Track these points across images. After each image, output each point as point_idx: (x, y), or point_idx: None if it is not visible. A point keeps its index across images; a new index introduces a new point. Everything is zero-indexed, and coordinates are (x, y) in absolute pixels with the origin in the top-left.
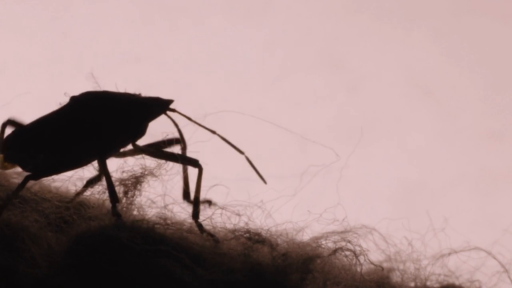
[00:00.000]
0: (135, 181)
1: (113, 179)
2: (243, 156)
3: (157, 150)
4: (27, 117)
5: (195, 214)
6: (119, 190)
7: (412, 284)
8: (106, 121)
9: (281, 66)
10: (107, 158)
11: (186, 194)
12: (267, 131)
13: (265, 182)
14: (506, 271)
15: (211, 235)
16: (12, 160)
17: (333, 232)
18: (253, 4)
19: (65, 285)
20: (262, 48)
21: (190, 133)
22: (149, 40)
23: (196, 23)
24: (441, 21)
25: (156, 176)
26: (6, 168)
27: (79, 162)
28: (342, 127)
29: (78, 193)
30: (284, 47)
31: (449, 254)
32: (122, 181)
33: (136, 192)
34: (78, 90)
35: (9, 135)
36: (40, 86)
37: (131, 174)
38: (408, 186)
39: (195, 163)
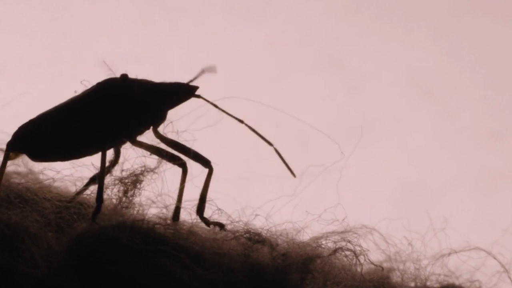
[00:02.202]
0: (135, 180)
1: (112, 178)
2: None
3: (173, 141)
4: (27, 117)
5: (201, 211)
6: (119, 189)
7: (412, 284)
8: (124, 108)
9: (281, 66)
10: (123, 143)
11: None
12: (267, 131)
13: (294, 175)
14: (506, 271)
15: (217, 223)
16: (18, 150)
17: (333, 232)
18: (253, 4)
19: (65, 285)
20: (262, 48)
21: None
22: (149, 40)
23: (196, 23)
24: (441, 21)
25: (156, 174)
26: (10, 158)
27: (90, 150)
28: (342, 127)
29: (80, 192)
30: (284, 47)
31: (449, 254)
32: (121, 180)
33: (135, 191)
34: (77, 90)
35: (23, 125)
36: (40, 86)
37: (130, 172)
38: (408, 186)
39: (206, 163)
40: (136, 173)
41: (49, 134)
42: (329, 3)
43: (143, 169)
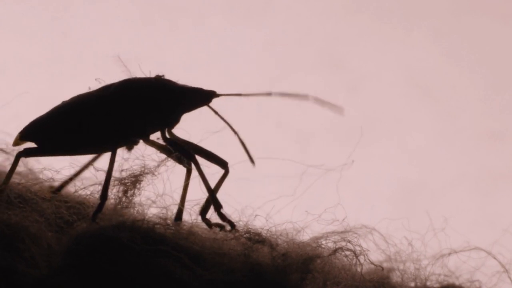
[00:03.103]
0: (134, 180)
1: (111, 178)
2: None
3: (188, 142)
4: (27, 117)
5: (204, 211)
6: (119, 189)
7: (412, 284)
8: (142, 108)
9: (281, 66)
10: (136, 143)
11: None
12: (268, 131)
13: (253, 163)
14: (506, 271)
15: (218, 225)
16: (29, 139)
17: (333, 232)
18: (253, 4)
19: (65, 285)
20: (262, 48)
21: (191, 133)
22: (149, 40)
23: (196, 23)
24: (441, 21)
25: (155, 175)
26: (18, 144)
27: (102, 147)
28: (342, 127)
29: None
30: (284, 47)
31: (449, 254)
32: (121, 181)
33: (135, 191)
34: (77, 90)
35: (38, 117)
36: (40, 86)
37: (130, 173)
38: (408, 186)
39: (224, 164)
40: (135, 173)
41: (63, 127)
42: (329, 3)
43: (142, 169)
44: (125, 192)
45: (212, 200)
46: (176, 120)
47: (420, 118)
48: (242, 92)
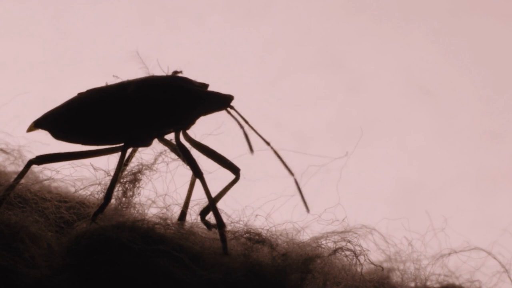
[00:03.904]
0: (133, 178)
1: (109, 178)
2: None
3: (203, 145)
4: (27, 117)
5: (204, 212)
6: (118, 188)
7: (412, 284)
8: (153, 107)
9: (281, 66)
10: (149, 144)
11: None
12: (267, 131)
13: (308, 210)
14: (506, 271)
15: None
16: (42, 127)
17: (333, 232)
18: (253, 4)
19: (65, 285)
20: (262, 48)
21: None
22: (149, 40)
23: (196, 23)
24: (441, 21)
25: (153, 170)
26: (32, 131)
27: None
28: (342, 127)
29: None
30: (284, 47)
31: (449, 254)
32: (119, 179)
33: (134, 190)
34: (77, 90)
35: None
36: (40, 86)
37: (128, 171)
38: (408, 186)
39: (235, 170)
40: (133, 171)
41: (78, 119)
42: (329, 3)
43: (140, 167)
44: (124, 192)
45: (215, 215)
46: (191, 122)
47: (420, 118)
48: (249, 122)
